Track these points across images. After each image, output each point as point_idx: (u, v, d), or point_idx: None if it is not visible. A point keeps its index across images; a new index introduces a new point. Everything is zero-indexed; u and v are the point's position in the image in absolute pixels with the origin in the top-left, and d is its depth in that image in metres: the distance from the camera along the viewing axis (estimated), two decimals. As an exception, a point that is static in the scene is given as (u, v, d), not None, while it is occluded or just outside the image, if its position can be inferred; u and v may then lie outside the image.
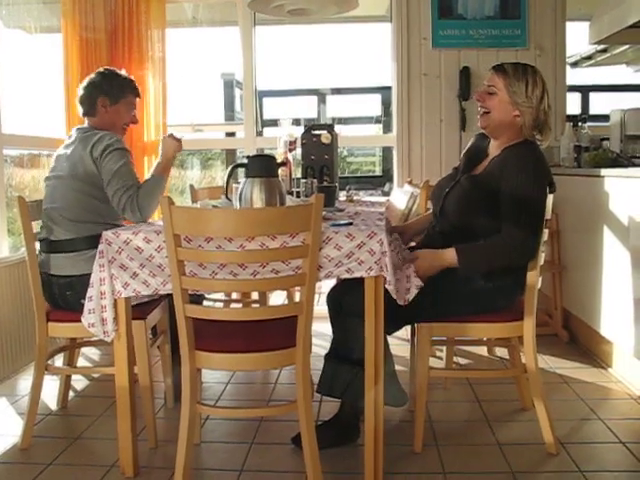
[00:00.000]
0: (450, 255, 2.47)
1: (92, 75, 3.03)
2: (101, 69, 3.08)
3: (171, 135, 3.09)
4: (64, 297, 2.76)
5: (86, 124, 3.01)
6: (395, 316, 2.37)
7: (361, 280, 2.22)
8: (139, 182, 2.86)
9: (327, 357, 2.63)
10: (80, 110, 3.02)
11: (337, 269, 2.19)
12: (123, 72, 3.11)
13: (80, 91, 3.01)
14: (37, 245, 2.79)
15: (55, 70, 4.44)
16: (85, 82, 3.01)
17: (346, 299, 2.56)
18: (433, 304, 2.48)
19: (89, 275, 2.35)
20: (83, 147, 2.81)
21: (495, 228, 2.46)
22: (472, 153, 2.80)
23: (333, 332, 2.76)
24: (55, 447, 2.68)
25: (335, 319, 2.76)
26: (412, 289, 2.30)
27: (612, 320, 3.41)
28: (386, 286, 2.20)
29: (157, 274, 2.26)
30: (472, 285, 2.52)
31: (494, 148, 2.67)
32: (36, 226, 2.86)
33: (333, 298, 2.77)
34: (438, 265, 2.48)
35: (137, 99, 3.12)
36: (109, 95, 2.97)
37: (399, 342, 3.88)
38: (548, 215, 2.51)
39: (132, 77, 3.14)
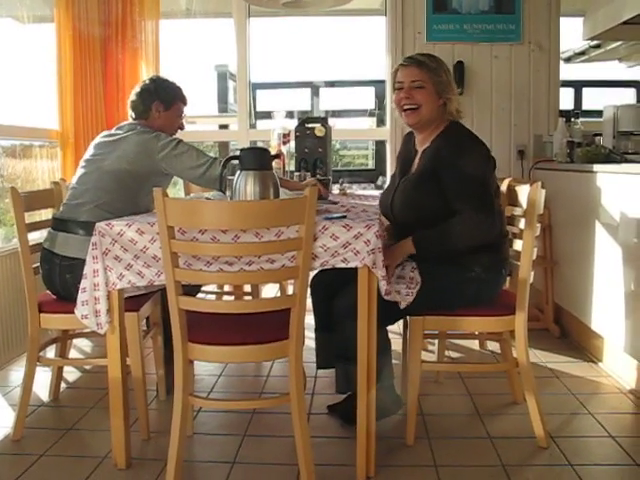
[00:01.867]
0: (407, 244, 2.51)
1: (146, 81, 3.18)
2: (153, 76, 3.31)
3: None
4: (63, 279, 2.75)
5: (135, 121, 3.08)
6: (389, 310, 2.38)
7: (354, 285, 2.25)
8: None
9: (337, 360, 2.69)
10: (132, 114, 3.12)
11: (333, 259, 2.20)
12: (176, 81, 3.24)
13: (133, 97, 3.13)
14: (31, 236, 2.78)
15: (48, 60, 4.42)
16: (138, 88, 3.13)
17: (338, 303, 2.58)
18: (427, 297, 2.49)
19: None
20: (142, 142, 2.88)
21: (449, 213, 2.49)
22: (403, 156, 2.85)
23: (322, 325, 2.80)
24: (47, 438, 2.68)
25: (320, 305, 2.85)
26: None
27: (603, 315, 3.43)
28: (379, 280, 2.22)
29: (152, 265, 2.26)
30: (465, 276, 2.53)
31: (421, 142, 2.71)
32: (29, 217, 2.85)
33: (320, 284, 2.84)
34: (399, 256, 2.51)
35: (185, 107, 3.26)
36: (164, 101, 3.10)
37: (391, 336, 3.87)
38: (540, 210, 2.52)
39: (180, 85, 3.26)
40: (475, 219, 2.44)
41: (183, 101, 3.23)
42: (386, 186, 2.99)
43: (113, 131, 3.04)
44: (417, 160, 2.69)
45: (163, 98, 3.11)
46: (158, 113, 3.10)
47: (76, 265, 2.69)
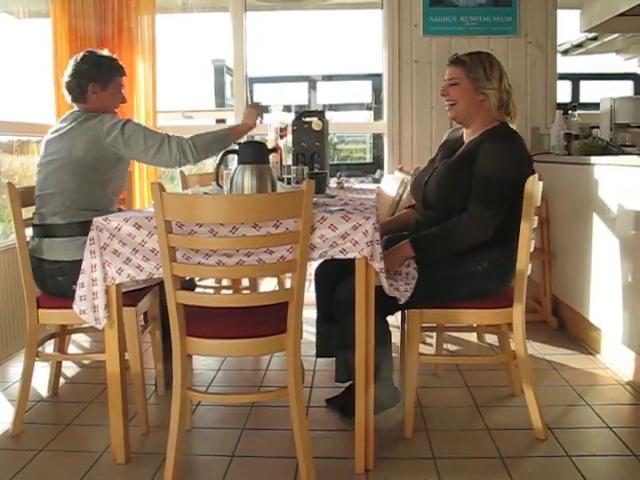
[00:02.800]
0: (406, 247, 2.53)
1: (77, 61, 2.95)
2: (85, 53, 2.99)
3: (258, 105, 3.14)
4: (56, 282, 2.75)
5: (77, 109, 2.96)
6: (388, 300, 2.39)
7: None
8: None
9: (338, 349, 2.71)
10: (68, 97, 2.97)
11: (331, 249, 2.20)
12: (106, 52, 3.05)
13: (67, 78, 2.95)
14: (28, 232, 2.78)
15: (44, 55, 4.40)
16: (71, 69, 2.94)
17: (339, 293, 2.58)
18: (426, 289, 2.49)
19: (81, 261, 2.34)
20: (87, 131, 2.78)
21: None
22: (448, 145, 2.88)
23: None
24: (46, 434, 2.68)
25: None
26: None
27: (600, 307, 3.43)
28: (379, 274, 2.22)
29: (150, 258, 2.25)
30: (464, 268, 2.54)
31: (469, 135, 2.74)
32: (26, 212, 2.84)
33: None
34: (397, 260, 2.52)
35: (124, 77, 3.08)
36: (99, 81, 2.92)
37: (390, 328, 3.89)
38: (537, 203, 2.52)
39: (115, 56, 3.08)
40: (479, 215, 2.47)
41: (120, 73, 3.03)
42: (422, 167, 3.02)
43: (58, 124, 2.93)
44: (462, 149, 2.73)
45: (98, 78, 2.92)
46: (95, 95, 2.93)
47: (66, 267, 2.70)
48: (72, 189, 2.78)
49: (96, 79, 2.92)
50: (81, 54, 2.98)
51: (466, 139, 2.76)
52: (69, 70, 2.96)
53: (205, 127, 5.85)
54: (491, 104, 2.65)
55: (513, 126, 2.72)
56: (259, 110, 3.12)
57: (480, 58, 2.67)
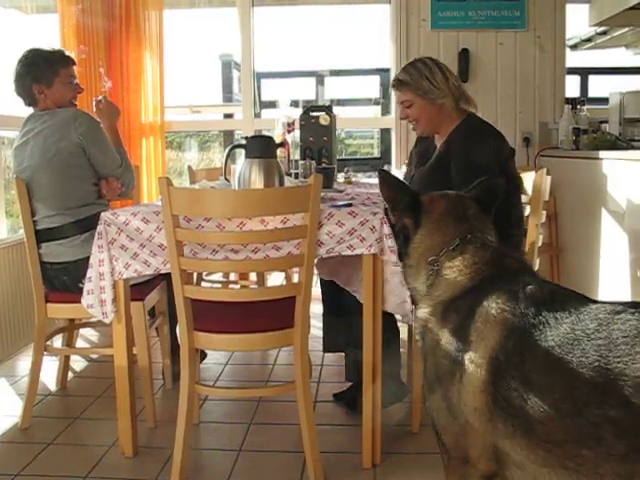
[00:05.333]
0: None
1: (17, 65, 2.81)
2: (24, 53, 2.83)
3: (106, 101, 3.06)
4: (61, 282, 2.76)
5: (33, 111, 2.88)
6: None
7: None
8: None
9: (347, 348, 2.72)
10: (23, 103, 2.87)
11: (339, 246, 2.20)
12: (46, 47, 2.89)
13: (13, 85, 2.83)
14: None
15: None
16: (13, 75, 2.82)
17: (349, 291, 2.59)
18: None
19: (84, 259, 2.35)
20: (56, 129, 2.72)
21: None
22: (421, 152, 2.85)
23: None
24: (55, 427, 2.70)
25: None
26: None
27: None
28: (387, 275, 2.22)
29: (158, 254, 2.26)
30: None
31: (439, 139, 2.72)
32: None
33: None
34: None
35: (74, 66, 2.93)
36: (42, 80, 2.79)
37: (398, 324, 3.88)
38: (545, 197, 2.51)
39: (58, 48, 2.95)
40: None
41: (65, 64, 2.86)
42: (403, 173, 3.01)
43: (23, 131, 2.83)
44: (435, 155, 2.71)
45: (40, 77, 2.78)
46: (43, 95, 2.80)
47: (69, 267, 2.70)
48: (54, 193, 2.73)
49: (38, 79, 2.79)
50: (21, 55, 2.84)
51: (437, 143, 2.74)
52: (12, 76, 2.84)
53: (213, 122, 5.90)
54: (449, 107, 2.62)
55: (476, 111, 2.71)
56: (113, 106, 3.09)
57: (418, 70, 2.62)
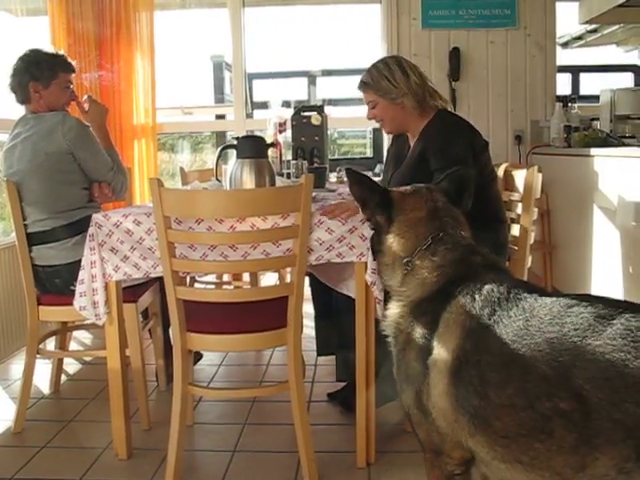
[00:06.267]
0: None
1: (17, 60, 2.81)
2: (26, 51, 2.83)
3: (91, 100, 3.01)
4: (53, 284, 2.75)
5: (25, 112, 2.86)
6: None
7: None
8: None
9: (338, 349, 2.72)
10: (15, 99, 2.85)
11: (328, 253, 2.19)
12: (51, 50, 2.91)
13: (8, 79, 2.82)
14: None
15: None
16: (11, 70, 2.81)
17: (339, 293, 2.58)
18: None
19: (75, 262, 2.34)
20: (45, 135, 2.70)
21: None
22: (396, 153, 2.85)
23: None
24: (48, 430, 2.69)
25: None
26: None
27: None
28: (366, 276, 2.21)
29: (148, 257, 2.25)
30: None
31: (412, 138, 2.72)
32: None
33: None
34: None
35: (72, 74, 2.92)
36: (40, 79, 2.77)
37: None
38: (537, 194, 2.51)
39: (61, 52, 2.95)
40: None
41: (65, 69, 2.86)
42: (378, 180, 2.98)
43: (13, 133, 2.82)
44: (409, 154, 2.71)
45: (38, 76, 2.76)
46: (38, 94, 2.78)
47: (61, 270, 2.69)
48: (44, 198, 2.71)
49: (36, 77, 2.77)
50: (23, 52, 2.84)
51: (411, 142, 2.74)
52: (10, 71, 2.83)
53: (204, 123, 5.89)
54: (410, 106, 2.61)
55: (446, 106, 2.70)
56: (101, 106, 3.06)
57: (379, 70, 2.63)
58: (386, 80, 2.61)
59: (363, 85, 2.68)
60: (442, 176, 1.78)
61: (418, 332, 1.50)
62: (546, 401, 1.20)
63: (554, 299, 1.32)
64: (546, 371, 1.20)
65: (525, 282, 1.50)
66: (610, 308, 1.22)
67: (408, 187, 1.75)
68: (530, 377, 1.24)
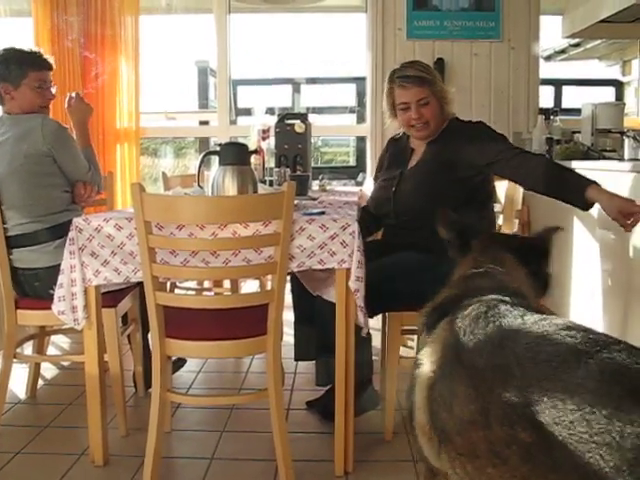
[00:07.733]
0: (596, 188, 2.42)
1: None
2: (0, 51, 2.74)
3: (78, 97, 3.00)
4: (32, 287, 2.72)
5: (1, 113, 2.80)
6: (370, 304, 2.37)
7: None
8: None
9: (318, 353, 2.71)
10: None
11: (309, 260, 2.20)
12: (24, 47, 2.78)
13: None
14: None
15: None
16: None
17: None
18: (410, 291, 2.48)
19: (56, 266, 2.32)
20: (22, 138, 2.64)
21: (467, 201, 2.54)
22: (394, 156, 2.85)
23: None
24: (23, 436, 2.66)
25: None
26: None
27: (581, 310, 3.45)
28: (349, 283, 2.21)
29: (128, 262, 2.24)
30: (446, 268, 2.54)
31: (423, 139, 2.72)
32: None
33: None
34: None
35: (49, 72, 2.81)
36: (8, 80, 2.70)
37: (371, 331, 3.89)
38: (518, 206, 2.54)
39: (35, 49, 2.83)
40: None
41: (36, 67, 2.74)
42: (376, 185, 2.96)
43: None
44: (419, 155, 2.71)
45: (6, 76, 2.68)
46: (9, 95, 2.70)
47: (40, 273, 2.66)
48: (24, 202, 2.66)
49: (5, 78, 2.70)
50: None
51: (417, 145, 2.74)
52: None
53: (188, 128, 5.87)
54: (445, 112, 2.66)
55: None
56: (85, 104, 3.05)
57: (431, 69, 2.66)
58: (440, 81, 2.62)
59: (419, 81, 2.58)
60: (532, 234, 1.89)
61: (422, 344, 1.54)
62: (507, 426, 1.17)
63: (537, 320, 1.29)
64: (512, 397, 1.18)
65: (510, 303, 1.46)
66: (588, 344, 1.18)
67: (495, 240, 1.91)
68: (496, 399, 1.20)
